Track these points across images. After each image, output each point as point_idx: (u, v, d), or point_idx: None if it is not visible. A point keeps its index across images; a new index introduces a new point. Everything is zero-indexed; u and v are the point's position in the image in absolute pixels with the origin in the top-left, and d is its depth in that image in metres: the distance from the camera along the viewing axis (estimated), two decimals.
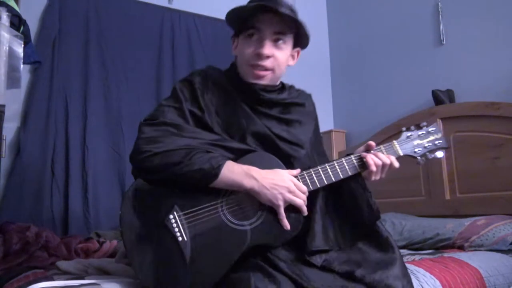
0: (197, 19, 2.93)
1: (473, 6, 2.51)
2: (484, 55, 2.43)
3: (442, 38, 2.64)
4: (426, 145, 1.18)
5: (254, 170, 1.03)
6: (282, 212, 1.02)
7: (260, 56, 1.13)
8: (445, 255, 1.67)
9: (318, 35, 3.55)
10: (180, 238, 0.99)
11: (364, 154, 1.11)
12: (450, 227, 1.97)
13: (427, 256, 1.67)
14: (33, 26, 2.34)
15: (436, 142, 1.19)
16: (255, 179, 1.01)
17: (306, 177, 1.08)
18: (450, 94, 2.53)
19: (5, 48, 1.54)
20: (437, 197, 2.44)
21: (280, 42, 1.15)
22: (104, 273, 1.25)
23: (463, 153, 2.35)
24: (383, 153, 1.13)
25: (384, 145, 1.16)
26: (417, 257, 1.67)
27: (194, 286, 0.95)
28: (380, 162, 1.10)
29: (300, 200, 1.03)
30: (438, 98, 2.53)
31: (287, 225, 1.02)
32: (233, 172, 1.01)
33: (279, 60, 1.16)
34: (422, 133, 1.20)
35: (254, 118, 1.15)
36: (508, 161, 2.14)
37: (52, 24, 2.41)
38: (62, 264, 1.37)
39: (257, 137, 1.14)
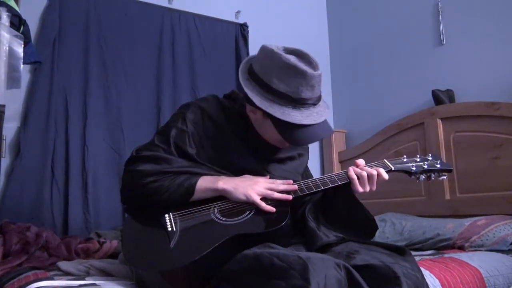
0: (197, 19, 2.92)
1: (473, 6, 2.51)
2: (484, 55, 2.43)
3: (442, 38, 2.64)
4: (424, 166, 1.25)
5: (222, 177, 1.16)
6: (259, 202, 1.10)
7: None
8: (446, 255, 1.67)
9: (318, 35, 3.55)
10: (169, 229, 1.08)
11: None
12: (450, 227, 1.97)
13: (428, 257, 1.67)
14: (33, 26, 2.34)
15: (436, 164, 1.26)
16: (226, 180, 1.14)
17: (302, 184, 1.18)
18: (450, 94, 2.53)
19: (5, 48, 1.54)
20: (437, 197, 2.44)
21: None
22: (106, 274, 1.25)
23: (463, 153, 2.35)
24: (371, 167, 1.19)
25: (375, 162, 1.23)
26: (417, 258, 1.66)
27: (171, 260, 1.00)
28: (363, 173, 1.16)
29: (271, 192, 1.12)
30: (438, 98, 2.53)
31: (271, 208, 1.10)
32: (205, 180, 1.14)
33: None
34: (420, 159, 1.27)
35: (249, 157, 1.24)
36: (508, 161, 2.14)
37: (52, 24, 2.41)
38: (63, 265, 1.37)
39: (249, 174, 1.21)
